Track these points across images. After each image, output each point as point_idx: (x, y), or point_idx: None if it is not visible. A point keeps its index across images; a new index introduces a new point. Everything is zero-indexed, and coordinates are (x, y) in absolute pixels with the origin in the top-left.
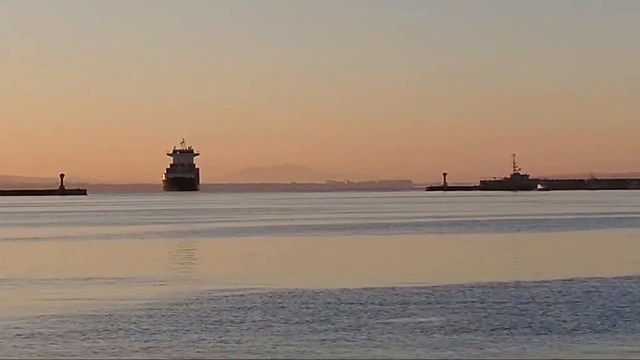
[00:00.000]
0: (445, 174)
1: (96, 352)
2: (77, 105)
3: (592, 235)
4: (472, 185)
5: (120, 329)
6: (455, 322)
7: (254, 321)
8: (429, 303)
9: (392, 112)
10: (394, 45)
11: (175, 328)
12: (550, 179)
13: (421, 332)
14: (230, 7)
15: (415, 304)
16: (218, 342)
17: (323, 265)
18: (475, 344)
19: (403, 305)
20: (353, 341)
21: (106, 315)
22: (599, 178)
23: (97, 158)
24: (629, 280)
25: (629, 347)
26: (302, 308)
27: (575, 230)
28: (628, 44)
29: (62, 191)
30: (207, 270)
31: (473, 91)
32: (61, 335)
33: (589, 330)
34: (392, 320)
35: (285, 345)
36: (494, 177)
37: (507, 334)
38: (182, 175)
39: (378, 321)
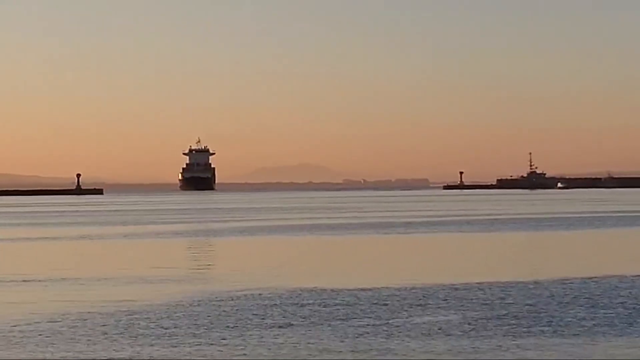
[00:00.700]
0: (462, 173)
1: (118, 351)
2: (94, 105)
3: (611, 233)
4: (489, 184)
5: (142, 328)
6: (475, 320)
7: (274, 320)
8: (448, 302)
9: (408, 111)
10: (413, 44)
11: (196, 327)
12: (567, 177)
13: (440, 330)
14: (247, 8)
15: (434, 302)
16: (240, 341)
17: (341, 264)
18: (494, 342)
19: (422, 304)
20: (373, 340)
21: (127, 315)
22: (616, 176)
23: (113, 158)
24: None
25: None
26: (322, 307)
27: (594, 228)
28: None
29: (78, 191)
30: (226, 269)
31: (490, 90)
32: (83, 335)
33: (608, 329)
34: (411, 318)
35: (306, 344)
36: (511, 176)
37: (526, 333)
38: (199, 175)
39: (397, 320)
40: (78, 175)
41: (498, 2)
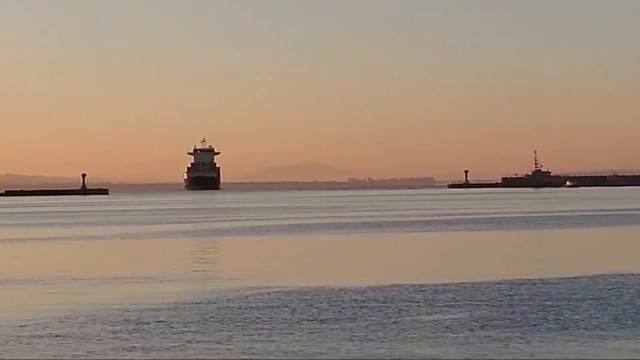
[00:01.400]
0: (466, 172)
1: (129, 351)
2: (99, 105)
3: (618, 231)
4: (494, 182)
5: (151, 328)
6: (483, 319)
7: (283, 319)
8: (456, 300)
9: (413, 110)
10: (416, 44)
11: (205, 326)
12: (572, 175)
13: (449, 329)
14: (252, 7)
15: (442, 301)
16: (249, 340)
17: (348, 263)
18: (502, 341)
19: (430, 303)
20: (382, 338)
21: (136, 315)
22: (621, 174)
23: (118, 158)
24: None
25: None
26: (330, 305)
27: (600, 226)
28: None
29: (84, 191)
30: (233, 268)
31: (494, 89)
32: (93, 335)
33: (617, 327)
34: (419, 317)
35: (316, 343)
36: (516, 174)
37: (535, 331)
38: (204, 175)
39: (406, 318)
40: (83, 176)
41: (503, 2)
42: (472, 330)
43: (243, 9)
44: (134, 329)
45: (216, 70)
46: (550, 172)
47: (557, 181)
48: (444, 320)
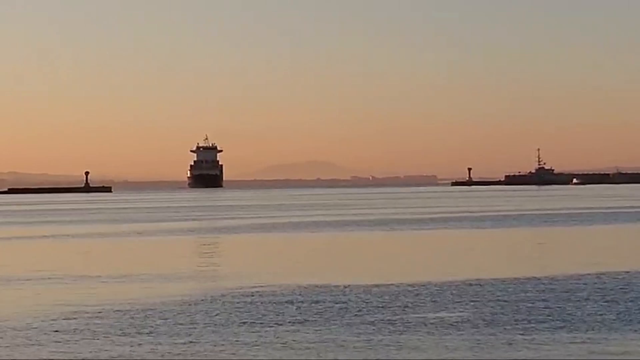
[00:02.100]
0: (470, 169)
1: (138, 349)
2: (102, 103)
3: (623, 229)
4: (497, 180)
5: (159, 325)
6: (489, 316)
7: (290, 316)
8: (462, 298)
9: (416, 107)
10: (419, 41)
11: (212, 324)
12: (575, 173)
13: (454, 326)
14: (255, 5)
15: (447, 298)
16: (256, 338)
17: (353, 260)
18: (508, 338)
19: (436, 300)
20: (388, 335)
21: (142, 312)
22: (624, 172)
23: (121, 155)
24: None
25: None
26: (336, 303)
27: (606, 224)
28: None
29: (87, 188)
30: (238, 266)
31: (497, 86)
32: (101, 333)
33: (623, 324)
34: (425, 314)
35: (322, 340)
36: (519, 172)
37: (541, 329)
38: (208, 172)
39: (412, 315)
40: (87, 173)
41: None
42: (478, 328)
43: (246, 8)
44: (142, 327)
45: (219, 68)
46: (553, 170)
47: (560, 179)
48: (450, 318)
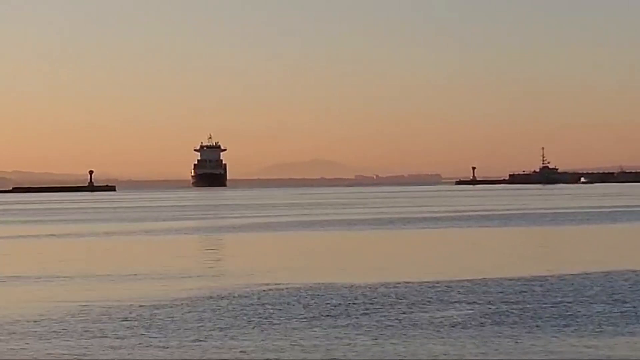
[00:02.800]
0: (474, 168)
1: (147, 347)
2: (106, 102)
3: (630, 227)
4: (501, 179)
5: (166, 324)
6: (495, 315)
7: (297, 315)
8: (469, 297)
9: (420, 106)
10: (422, 40)
11: (220, 323)
12: (580, 172)
13: (462, 325)
14: (258, 4)
15: (455, 297)
16: (264, 336)
17: (359, 259)
18: (514, 337)
19: (443, 299)
20: (396, 333)
21: (150, 311)
22: (629, 171)
23: (125, 154)
24: None
25: None
26: (343, 302)
27: (612, 223)
28: None
29: (91, 187)
30: (244, 265)
31: (502, 85)
32: (109, 332)
33: (630, 323)
34: (432, 313)
35: (331, 338)
36: (523, 171)
37: (547, 328)
38: (212, 171)
39: (419, 314)
40: (91, 172)
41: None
42: (485, 327)
43: (250, 7)
44: (150, 325)
45: (223, 67)
46: (557, 169)
47: (564, 178)
48: (457, 316)
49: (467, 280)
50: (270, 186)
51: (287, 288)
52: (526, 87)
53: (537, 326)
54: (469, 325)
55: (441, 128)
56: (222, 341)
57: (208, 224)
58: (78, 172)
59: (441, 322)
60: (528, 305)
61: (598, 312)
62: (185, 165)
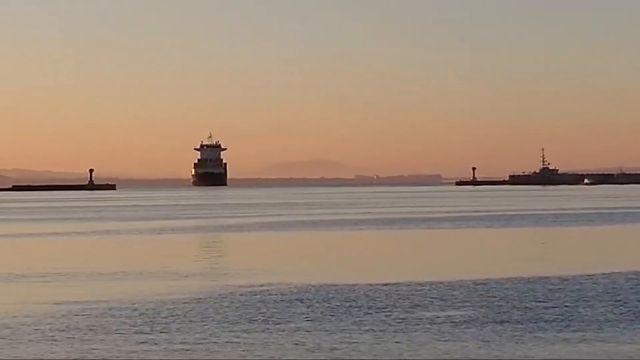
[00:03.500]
0: (474, 169)
1: (154, 346)
2: (106, 101)
3: (632, 229)
4: (501, 179)
5: (171, 323)
6: (498, 316)
7: (301, 314)
8: (471, 297)
9: (420, 107)
10: (423, 41)
11: (224, 322)
12: (580, 173)
13: (464, 325)
14: (258, 4)
15: (457, 297)
16: (269, 335)
17: (361, 259)
18: (517, 337)
19: (445, 299)
20: (400, 333)
21: (154, 310)
22: (628, 173)
23: (125, 153)
24: None
25: None
26: (346, 301)
27: (614, 224)
28: None
29: (91, 186)
30: (246, 264)
31: (502, 86)
32: (113, 330)
33: (634, 324)
34: (436, 313)
35: (334, 337)
36: (523, 172)
37: (550, 328)
38: (212, 171)
39: (422, 314)
40: (91, 171)
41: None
42: (488, 327)
43: (250, 7)
44: (154, 324)
45: (223, 66)
46: (557, 170)
47: (564, 179)
48: (459, 316)
49: (469, 281)
50: (271, 186)
51: (289, 287)
52: (526, 88)
53: (539, 326)
54: (471, 325)
55: (442, 129)
56: (226, 340)
57: (209, 223)
58: (78, 171)
59: (443, 322)
60: (530, 306)
61: (600, 312)
62: (186, 165)
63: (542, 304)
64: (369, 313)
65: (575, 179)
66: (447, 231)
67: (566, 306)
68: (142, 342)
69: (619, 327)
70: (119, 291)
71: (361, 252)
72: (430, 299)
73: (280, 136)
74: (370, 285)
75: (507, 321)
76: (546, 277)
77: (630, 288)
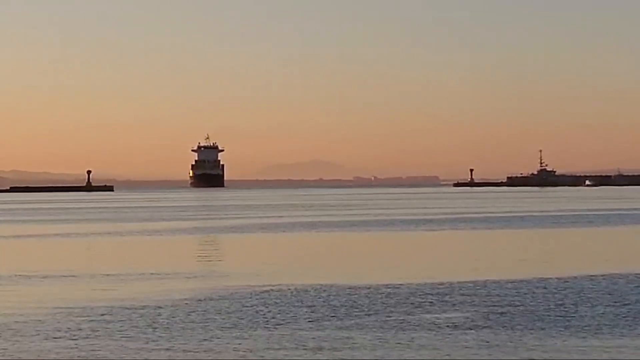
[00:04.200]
0: (472, 170)
1: (154, 347)
2: (104, 102)
3: (633, 230)
4: (499, 181)
5: (173, 324)
6: (499, 317)
7: (303, 315)
8: (473, 298)
9: (419, 108)
10: (421, 43)
11: (226, 323)
12: (577, 174)
13: (464, 327)
14: (258, 4)
15: (458, 299)
16: (271, 336)
17: (361, 261)
18: (519, 339)
19: (446, 300)
20: (401, 334)
21: (154, 311)
22: (626, 174)
23: (123, 154)
24: None
25: None
26: (347, 302)
27: (614, 225)
28: None
29: (89, 187)
30: (247, 265)
31: (500, 88)
32: (115, 332)
33: (635, 325)
34: (437, 315)
35: (336, 338)
36: (521, 173)
37: (552, 330)
38: (210, 172)
39: (423, 315)
40: (89, 172)
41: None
42: (488, 329)
43: (250, 7)
44: (155, 325)
45: (221, 67)
46: (555, 171)
47: (562, 180)
48: (460, 318)
49: (469, 282)
50: (268, 187)
51: (290, 289)
52: (524, 89)
53: (539, 327)
54: (472, 327)
55: (440, 130)
56: (227, 341)
57: (207, 225)
58: (76, 172)
59: (444, 323)
60: (530, 307)
61: (600, 314)
62: (183, 166)
63: (542, 305)
64: (370, 314)
65: (573, 180)
66: (446, 232)
67: (566, 307)
68: (145, 343)
69: (619, 329)
70: (119, 292)
71: (361, 253)
72: (431, 301)
73: (278, 137)
74: (371, 286)
75: (508, 322)
76: (546, 279)
77: (631, 289)
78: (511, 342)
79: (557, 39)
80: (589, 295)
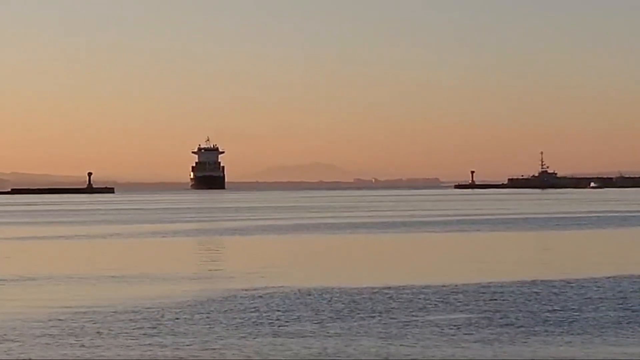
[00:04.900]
0: (473, 172)
1: (159, 349)
2: (104, 104)
3: (635, 232)
4: (500, 183)
5: (176, 325)
6: (502, 319)
7: (306, 317)
8: (477, 300)
9: (419, 110)
10: (422, 44)
11: (229, 325)
12: (578, 177)
13: (467, 328)
14: (258, 5)
15: (460, 301)
16: (276, 338)
17: (363, 262)
18: (522, 341)
19: (450, 302)
20: (404, 336)
21: (158, 312)
22: (627, 176)
23: (124, 156)
24: None
25: None
26: (350, 304)
27: (616, 227)
28: None
29: (89, 189)
30: (249, 267)
31: (501, 89)
32: (119, 333)
33: (638, 327)
34: (440, 316)
35: (342, 341)
36: (522, 175)
37: (555, 331)
38: (210, 174)
39: (425, 317)
40: (89, 174)
41: (510, 3)
42: (490, 330)
43: (251, 8)
44: (161, 327)
45: (221, 69)
46: (556, 174)
47: (563, 182)
48: (463, 319)
49: (472, 284)
50: (269, 189)
51: (293, 291)
52: (526, 91)
53: (542, 329)
54: (475, 328)
55: (440, 132)
56: (232, 343)
57: (208, 227)
58: (77, 174)
59: (447, 325)
60: (533, 309)
61: (604, 315)
62: (184, 168)
63: (545, 306)
64: (373, 316)
65: (574, 182)
66: (448, 234)
67: (570, 309)
68: (149, 345)
69: (623, 330)
70: (123, 294)
71: (363, 255)
72: (434, 302)
73: (279, 139)
74: (374, 288)
75: (511, 324)
76: (549, 280)
77: (635, 291)
78: (514, 343)
79: (559, 40)
80: (593, 297)
